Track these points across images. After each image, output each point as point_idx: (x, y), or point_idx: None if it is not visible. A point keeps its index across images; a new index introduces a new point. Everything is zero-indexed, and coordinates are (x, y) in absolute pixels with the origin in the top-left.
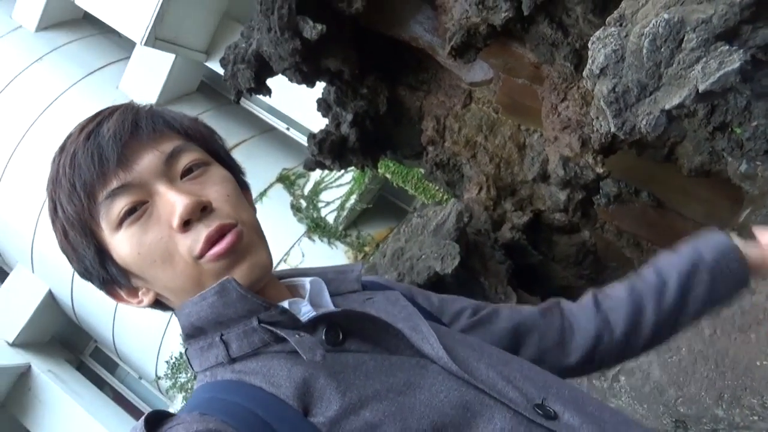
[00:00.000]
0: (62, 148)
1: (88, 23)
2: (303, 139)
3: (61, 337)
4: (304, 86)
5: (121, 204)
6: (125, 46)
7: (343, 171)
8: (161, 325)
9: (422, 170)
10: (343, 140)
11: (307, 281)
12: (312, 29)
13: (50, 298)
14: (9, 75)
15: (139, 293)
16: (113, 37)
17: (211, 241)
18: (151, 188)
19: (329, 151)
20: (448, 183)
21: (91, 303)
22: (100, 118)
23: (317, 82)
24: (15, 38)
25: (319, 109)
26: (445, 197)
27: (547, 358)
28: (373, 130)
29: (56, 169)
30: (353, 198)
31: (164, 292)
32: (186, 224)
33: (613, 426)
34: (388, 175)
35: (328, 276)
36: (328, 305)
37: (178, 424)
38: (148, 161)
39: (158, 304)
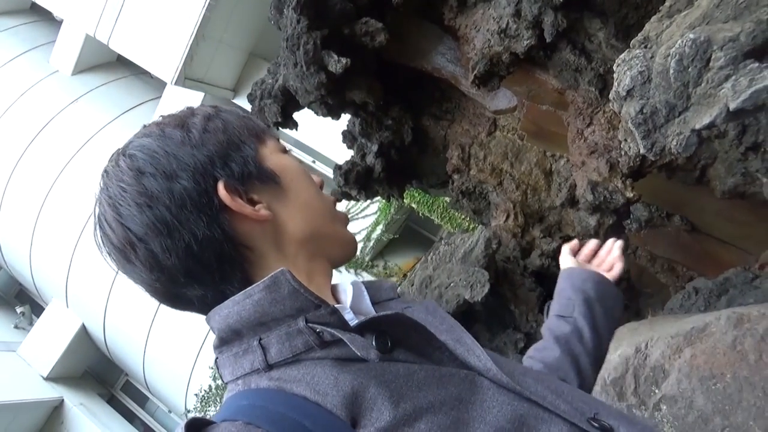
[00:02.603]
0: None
1: (121, 65)
2: (329, 172)
3: (94, 371)
4: (329, 119)
5: (285, 147)
6: (156, 86)
7: (369, 202)
8: (191, 358)
9: (448, 199)
10: (368, 171)
11: (347, 284)
12: (337, 63)
13: (83, 333)
14: (47, 116)
15: (259, 206)
16: (145, 78)
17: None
18: None
19: (355, 181)
20: (475, 211)
21: (122, 337)
22: None
23: (342, 115)
24: (52, 82)
25: (344, 141)
26: (472, 226)
27: None
28: (398, 160)
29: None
30: (379, 228)
31: (294, 211)
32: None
33: None
34: (414, 205)
35: (365, 285)
36: (370, 311)
37: None
38: None
39: (247, 249)
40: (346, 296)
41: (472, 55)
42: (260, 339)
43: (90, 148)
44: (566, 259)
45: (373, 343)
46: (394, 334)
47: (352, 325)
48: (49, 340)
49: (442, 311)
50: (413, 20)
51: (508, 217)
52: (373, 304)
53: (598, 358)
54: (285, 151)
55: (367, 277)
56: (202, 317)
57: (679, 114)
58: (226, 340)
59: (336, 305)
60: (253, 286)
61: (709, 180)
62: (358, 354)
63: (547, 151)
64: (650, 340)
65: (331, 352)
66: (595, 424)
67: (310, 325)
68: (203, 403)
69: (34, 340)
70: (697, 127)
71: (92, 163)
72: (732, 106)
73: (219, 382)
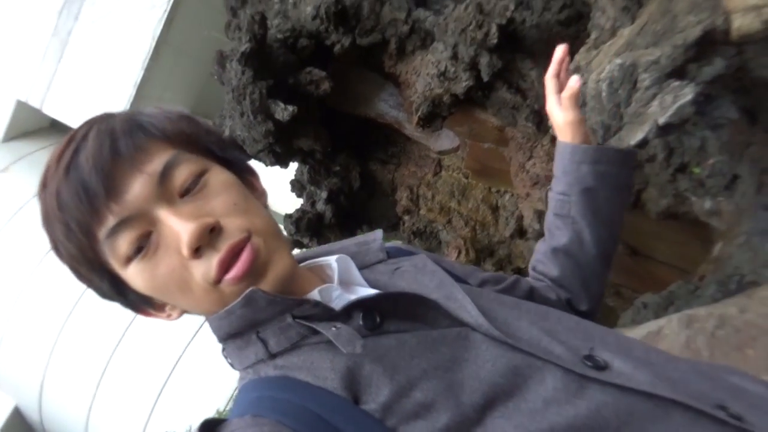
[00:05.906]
0: (44, 184)
1: (55, 131)
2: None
3: None
4: (274, 172)
5: (125, 241)
6: None
7: None
8: None
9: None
10: (319, 218)
11: (333, 260)
12: (283, 111)
13: (17, 415)
14: None
15: (166, 308)
16: None
17: (224, 266)
18: (151, 216)
19: (306, 229)
20: (427, 250)
21: (60, 417)
22: (75, 144)
23: (290, 163)
24: None
25: (293, 190)
26: None
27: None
28: (348, 205)
29: (45, 208)
30: None
31: (190, 311)
32: (197, 251)
33: (661, 366)
34: None
35: (351, 250)
36: (359, 281)
37: (232, 431)
38: (139, 187)
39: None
40: (333, 272)
41: (414, 99)
42: (258, 332)
43: (20, 219)
44: (554, 111)
45: (361, 321)
46: (381, 308)
47: (338, 306)
48: None
49: (432, 265)
50: (355, 69)
51: (459, 253)
52: (362, 269)
53: (607, 251)
54: (127, 262)
55: None
56: (144, 398)
57: (615, 133)
58: (225, 338)
59: (322, 286)
60: (233, 304)
61: (643, 204)
62: (343, 350)
63: (492, 187)
64: None
65: (324, 337)
66: (589, 363)
67: (297, 320)
68: None
69: None
70: (632, 143)
71: (22, 235)
72: (661, 121)
73: None
